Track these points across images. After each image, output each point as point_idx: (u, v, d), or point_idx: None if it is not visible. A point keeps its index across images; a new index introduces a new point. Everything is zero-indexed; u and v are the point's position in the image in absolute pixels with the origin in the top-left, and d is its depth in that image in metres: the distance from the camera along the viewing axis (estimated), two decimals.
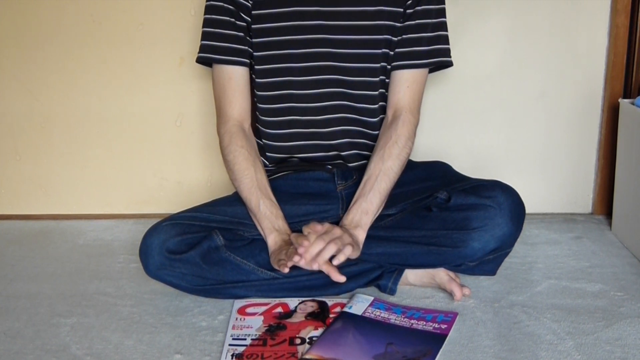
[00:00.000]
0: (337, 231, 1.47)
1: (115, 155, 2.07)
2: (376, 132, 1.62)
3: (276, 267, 1.48)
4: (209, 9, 1.59)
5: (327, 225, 1.49)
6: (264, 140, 1.66)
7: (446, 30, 1.60)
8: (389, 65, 1.59)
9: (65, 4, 1.97)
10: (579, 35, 1.98)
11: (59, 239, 1.96)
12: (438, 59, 1.59)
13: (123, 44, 1.99)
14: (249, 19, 1.57)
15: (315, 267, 1.42)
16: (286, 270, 1.43)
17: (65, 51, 2.00)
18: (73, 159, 2.08)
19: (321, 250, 1.43)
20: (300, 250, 1.42)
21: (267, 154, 1.66)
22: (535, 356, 1.34)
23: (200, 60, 1.61)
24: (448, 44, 1.60)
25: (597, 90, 2.01)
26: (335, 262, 1.43)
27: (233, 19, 1.57)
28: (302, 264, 1.43)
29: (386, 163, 1.55)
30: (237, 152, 1.57)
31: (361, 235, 1.52)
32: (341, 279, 1.44)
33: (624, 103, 1.88)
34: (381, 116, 1.63)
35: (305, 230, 1.49)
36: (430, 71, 1.64)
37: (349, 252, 1.44)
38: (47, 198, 2.11)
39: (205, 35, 1.59)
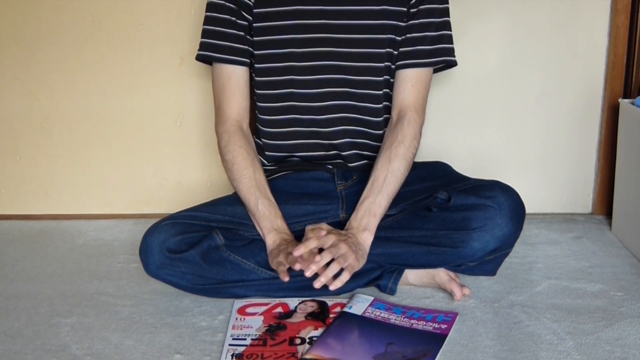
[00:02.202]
0: (342, 247, 1.45)
1: (115, 155, 2.07)
2: (379, 132, 1.62)
3: (275, 268, 1.48)
4: (210, 7, 1.59)
5: (332, 238, 1.46)
6: (263, 140, 1.66)
7: (450, 30, 1.60)
8: (393, 64, 1.59)
9: (65, 4, 1.97)
10: (579, 35, 1.98)
11: (59, 239, 1.96)
12: (442, 58, 1.60)
13: (123, 44, 1.99)
14: (251, 18, 1.57)
15: (308, 274, 1.40)
16: (287, 279, 1.42)
17: (65, 51, 2.00)
18: (73, 159, 2.08)
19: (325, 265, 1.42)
20: (310, 269, 1.40)
21: (267, 153, 1.66)
22: (535, 356, 1.34)
23: (199, 58, 1.61)
24: (452, 43, 1.60)
25: (597, 90, 2.01)
26: (332, 288, 1.41)
27: (234, 18, 1.57)
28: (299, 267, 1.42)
29: (393, 164, 1.55)
30: (236, 152, 1.57)
31: (368, 239, 1.52)
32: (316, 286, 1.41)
33: (624, 103, 1.88)
34: (385, 116, 1.62)
35: (310, 233, 1.48)
36: (435, 71, 1.64)
37: (345, 279, 1.42)
38: (47, 198, 2.11)
39: (205, 33, 1.59)
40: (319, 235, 1.46)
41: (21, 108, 2.05)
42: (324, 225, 1.51)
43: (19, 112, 2.05)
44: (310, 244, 1.44)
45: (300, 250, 1.42)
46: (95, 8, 1.97)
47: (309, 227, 1.51)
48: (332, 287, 1.42)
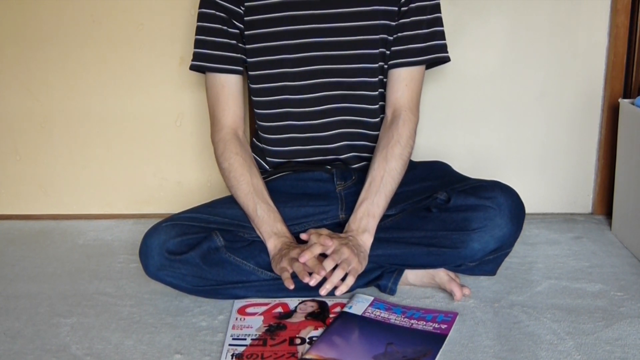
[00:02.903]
0: (345, 252, 1.45)
1: (115, 155, 2.07)
2: (376, 133, 1.62)
3: (278, 273, 1.48)
4: (201, 17, 1.58)
5: (334, 243, 1.47)
6: (263, 145, 1.66)
7: (441, 26, 1.59)
8: (386, 64, 1.59)
9: (65, 4, 1.97)
10: (579, 35, 1.97)
11: (59, 239, 1.96)
12: (434, 55, 1.59)
13: (123, 44, 1.99)
14: (242, 26, 1.57)
15: (312, 283, 1.41)
16: (292, 287, 1.42)
17: (65, 51, 2.00)
18: (73, 159, 2.08)
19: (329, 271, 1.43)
20: (314, 278, 1.40)
21: (267, 158, 1.66)
22: (535, 356, 1.34)
23: (193, 68, 1.61)
24: (444, 39, 1.60)
25: (597, 90, 2.01)
26: (338, 292, 1.42)
27: (225, 27, 1.56)
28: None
29: (389, 164, 1.55)
30: (233, 159, 1.56)
31: (368, 240, 1.52)
32: (311, 283, 1.41)
33: (624, 103, 1.88)
34: (381, 116, 1.62)
35: (314, 238, 1.48)
36: (428, 67, 1.63)
37: (350, 283, 1.43)
38: (47, 198, 2.11)
39: (197, 43, 1.59)
40: (324, 242, 1.46)
41: (21, 108, 2.05)
42: (324, 230, 1.51)
43: (19, 112, 2.05)
44: (316, 249, 1.44)
45: (306, 256, 1.42)
46: (95, 8, 1.97)
47: (311, 231, 1.50)
48: (338, 292, 1.43)
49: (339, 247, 1.45)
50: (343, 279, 1.44)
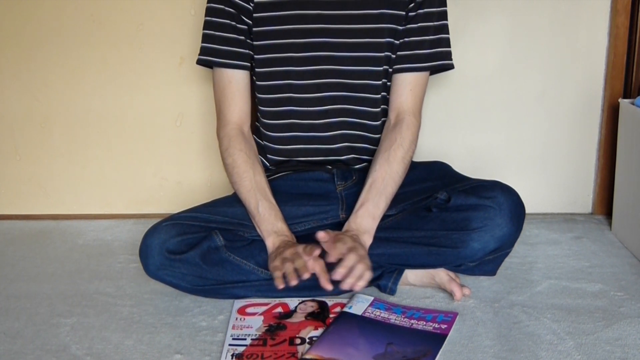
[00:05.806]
0: (360, 250, 1.44)
1: (115, 155, 2.07)
2: (377, 136, 1.62)
3: (271, 270, 1.47)
4: (209, 11, 1.58)
5: (350, 242, 1.45)
6: (264, 142, 1.66)
7: (448, 33, 1.60)
8: (390, 68, 1.59)
9: (65, 4, 1.97)
10: (579, 36, 1.98)
11: (59, 239, 1.96)
12: (440, 62, 1.59)
13: (123, 44, 1.99)
14: (250, 22, 1.57)
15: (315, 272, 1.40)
16: (281, 286, 1.41)
17: (65, 51, 2.00)
18: (73, 159, 2.08)
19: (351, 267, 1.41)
20: (337, 275, 1.38)
21: (268, 155, 1.66)
22: (535, 356, 1.34)
23: (200, 63, 1.61)
24: (449, 46, 1.60)
25: (597, 90, 2.01)
26: (357, 288, 1.40)
27: (234, 22, 1.57)
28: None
29: (392, 166, 1.55)
30: (236, 155, 1.57)
31: (368, 241, 1.52)
32: (328, 287, 1.40)
33: (624, 103, 1.88)
34: (383, 119, 1.62)
35: (326, 237, 1.45)
36: (431, 74, 1.64)
37: (369, 277, 1.40)
38: (47, 198, 2.11)
39: (205, 38, 1.59)
40: (341, 251, 1.42)
41: (21, 108, 2.05)
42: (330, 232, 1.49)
43: (19, 112, 2.05)
44: (337, 250, 1.41)
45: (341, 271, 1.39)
46: (95, 8, 1.97)
47: (322, 234, 1.45)
48: (357, 288, 1.39)
49: (353, 246, 1.43)
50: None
